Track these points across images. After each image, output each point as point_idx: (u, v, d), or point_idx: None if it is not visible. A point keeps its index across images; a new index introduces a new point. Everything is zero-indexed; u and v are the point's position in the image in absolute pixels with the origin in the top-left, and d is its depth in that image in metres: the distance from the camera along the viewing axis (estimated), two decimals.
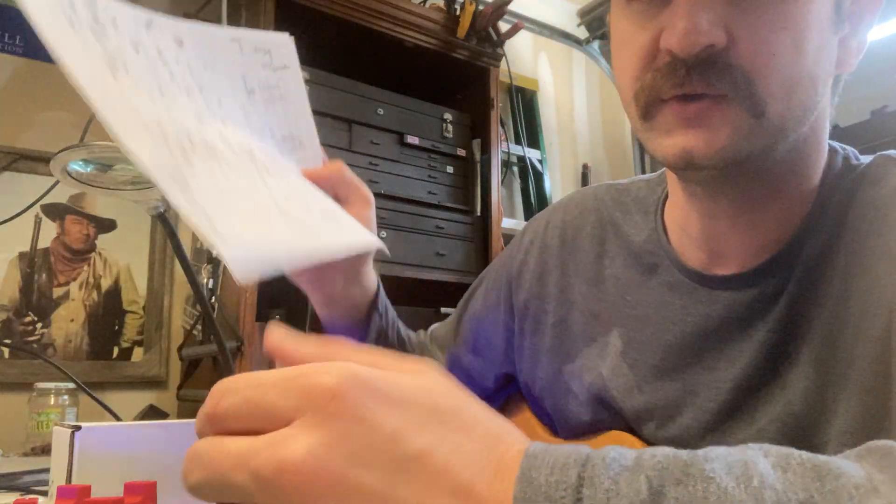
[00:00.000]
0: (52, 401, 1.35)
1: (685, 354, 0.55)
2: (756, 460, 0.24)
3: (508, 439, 0.26)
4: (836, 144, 0.54)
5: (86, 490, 0.36)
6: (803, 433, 0.48)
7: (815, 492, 0.23)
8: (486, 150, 1.90)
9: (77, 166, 0.57)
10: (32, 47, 1.63)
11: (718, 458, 0.24)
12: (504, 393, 0.74)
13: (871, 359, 0.46)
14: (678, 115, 0.46)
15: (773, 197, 0.51)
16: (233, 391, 0.27)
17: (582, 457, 0.25)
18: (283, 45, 0.46)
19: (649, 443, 0.57)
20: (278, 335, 0.30)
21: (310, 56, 1.65)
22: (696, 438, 0.53)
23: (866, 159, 0.53)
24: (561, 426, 0.65)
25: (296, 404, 0.25)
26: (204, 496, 0.26)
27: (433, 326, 0.81)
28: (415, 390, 0.26)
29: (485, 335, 0.72)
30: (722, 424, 0.52)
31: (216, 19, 1.54)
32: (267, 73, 0.44)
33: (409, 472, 0.24)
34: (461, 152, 1.87)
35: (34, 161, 1.58)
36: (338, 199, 0.50)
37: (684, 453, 0.25)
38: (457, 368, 0.74)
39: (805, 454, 0.25)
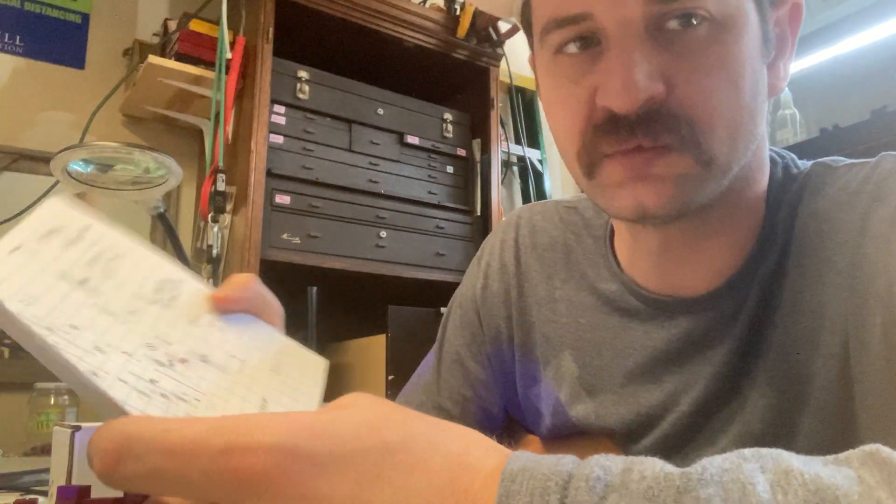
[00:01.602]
0: (52, 401, 1.35)
1: (645, 379, 0.54)
2: (754, 479, 0.22)
3: (474, 464, 0.24)
4: (773, 153, 0.53)
5: (86, 490, 0.36)
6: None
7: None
8: (486, 150, 1.90)
9: (77, 166, 0.57)
10: (32, 47, 1.63)
11: (713, 479, 0.22)
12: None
13: (831, 377, 0.45)
14: (624, 169, 0.45)
15: (724, 224, 0.50)
16: (136, 455, 0.22)
17: (564, 478, 0.23)
18: None
19: None
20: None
21: (310, 56, 1.65)
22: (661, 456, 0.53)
23: (805, 165, 0.53)
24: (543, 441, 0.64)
25: (224, 494, 0.22)
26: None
27: (404, 395, 0.72)
28: (356, 435, 0.23)
29: (471, 375, 0.66)
30: (684, 447, 0.51)
31: (216, 19, 1.54)
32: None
33: None
34: (461, 152, 1.87)
35: (34, 161, 1.58)
36: (252, 313, 0.38)
37: (676, 474, 0.23)
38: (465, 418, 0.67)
39: (806, 471, 0.23)
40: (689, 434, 0.51)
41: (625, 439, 0.55)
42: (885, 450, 0.25)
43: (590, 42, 0.45)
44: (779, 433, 0.47)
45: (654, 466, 0.23)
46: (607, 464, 0.23)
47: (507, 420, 0.69)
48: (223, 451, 0.22)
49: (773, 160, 0.53)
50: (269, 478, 0.22)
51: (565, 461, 0.23)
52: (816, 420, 0.45)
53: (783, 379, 0.47)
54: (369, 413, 0.25)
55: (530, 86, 2.48)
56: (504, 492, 0.22)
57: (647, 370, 0.54)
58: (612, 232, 0.59)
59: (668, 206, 0.44)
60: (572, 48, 0.46)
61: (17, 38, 1.62)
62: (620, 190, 0.45)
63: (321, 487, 0.22)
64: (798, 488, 0.22)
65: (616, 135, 0.44)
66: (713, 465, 0.23)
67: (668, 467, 0.23)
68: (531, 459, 0.23)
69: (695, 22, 0.43)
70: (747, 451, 0.24)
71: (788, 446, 0.46)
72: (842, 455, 0.25)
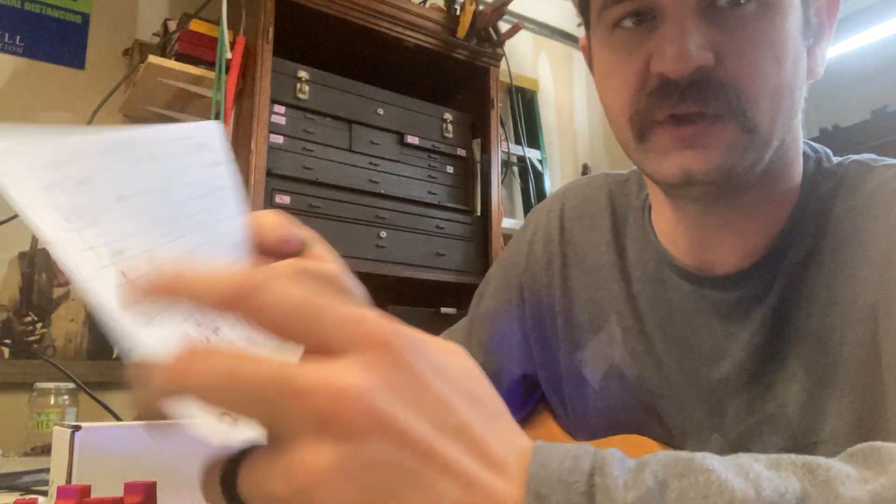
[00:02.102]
0: (52, 401, 1.35)
1: (678, 348, 0.57)
2: (749, 461, 0.26)
3: (522, 433, 0.26)
4: (807, 147, 0.56)
5: (86, 490, 0.36)
6: (794, 435, 0.50)
7: (808, 483, 0.25)
8: (486, 150, 1.90)
9: None
10: (32, 47, 1.63)
11: (714, 458, 0.25)
12: (530, 401, 0.74)
13: (860, 362, 0.47)
14: (674, 136, 0.48)
15: (761, 204, 0.53)
16: (284, 293, 0.23)
17: (591, 451, 0.25)
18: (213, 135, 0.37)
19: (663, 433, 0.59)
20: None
21: (310, 56, 1.65)
22: (686, 429, 0.56)
23: (837, 161, 0.56)
24: (577, 417, 0.66)
25: (352, 339, 0.23)
26: (205, 395, 0.23)
27: (443, 335, 0.79)
28: (455, 368, 0.25)
29: (499, 334, 0.72)
30: (712, 419, 0.54)
31: (216, 19, 1.54)
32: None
33: (451, 436, 0.23)
34: (461, 152, 1.87)
35: None
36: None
37: (683, 453, 0.25)
38: None
39: (794, 455, 0.26)
40: (720, 408, 0.54)
41: (665, 405, 0.57)
42: (865, 444, 0.29)
43: (645, 17, 0.49)
44: (810, 416, 0.50)
45: (666, 452, 0.26)
46: (624, 454, 0.25)
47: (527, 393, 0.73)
48: (361, 312, 0.24)
49: (805, 153, 0.56)
50: (392, 346, 0.23)
51: (587, 444, 0.26)
52: (845, 404, 0.48)
53: (817, 365, 0.50)
54: (464, 363, 0.26)
55: (530, 86, 2.48)
56: (538, 451, 0.24)
57: (679, 339, 0.57)
58: (650, 207, 0.62)
59: (714, 172, 0.47)
60: (628, 23, 0.50)
61: (17, 38, 1.62)
62: (668, 156, 0.49)
63: (428, 380, 0.24)
64: (788, 464, 0.26)
65: (668, 99, 0.47)
66: (712, 454, 0.26)
67: (679, 452, 0.26)
68: (557, 443, 0.26)
69: (743, 1, 0.47)
70: (741, 454, 0.27)
71: (818, 429, 0.49)
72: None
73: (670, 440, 0.57)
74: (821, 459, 0.26)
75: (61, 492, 0.36)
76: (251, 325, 0.23)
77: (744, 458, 0.26)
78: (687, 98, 0.47)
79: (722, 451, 0.26)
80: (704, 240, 0.55)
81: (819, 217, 0.52)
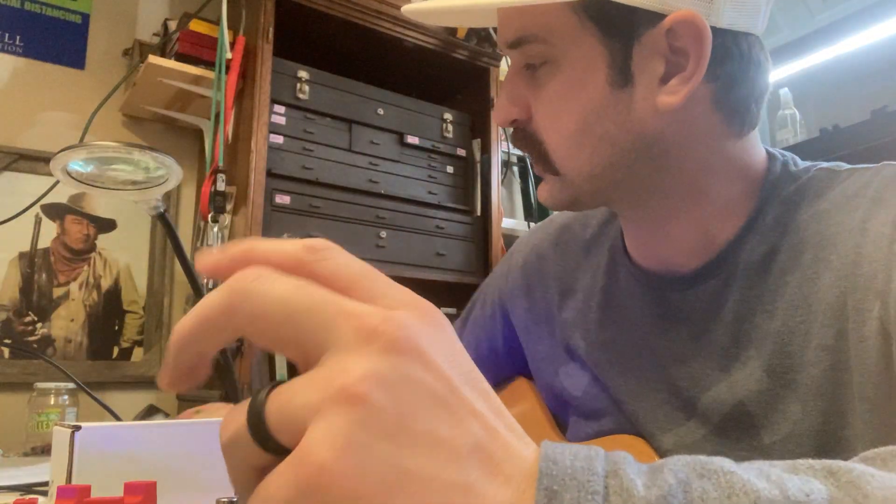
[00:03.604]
0: (52, 401, 1.35)
1: (642, 354, 0.59)
2: (766, 466, 0.25)
3: (523, 434, 0.26)
4: (775, 151, 0.58)
5: (86, 490, 0.36)
6: (756, 431, 0.51)
7: (832, 485, 0.24)
8: (486, 150, 1.90)
9: (77, 166, 0.57)
10: (32, 47, 1.63)
11: (732, 462, 0.25)
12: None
13: (823, 366, 0.48)
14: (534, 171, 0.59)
15: (682, 211, 0.56)
16: (347, 261, 0.25)
17: (603, 453, 0.25)
18: None
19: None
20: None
21: (310, 56, 1.65)
22: (657, 432, 0.57)
23: (805, 165, 0.57)
24: (569, 418, 0.68)
25: (398, 301, 0.25)
26: (262, 311, 0.23)
27: None
28: (457, 365, 0.25)
29: (487, 342, 0.79)
30: (678, 419, 0.56)
31: (216, 19, 1.54)
32: None
33: (475, 390, 0.24)
34: (461, 152, 1.87)
35: (34, 161, 1.58)
36: None
37: (700, 457, 0.25)
38: None
39: (811, 460, 0.26)
40: (689, 408, 0.56)
41: (628, 409, 0.60)
42: (882, 448, 0.28)
43: None
44: (769, 416, 0.51)
45: (678, 456, 0.25)
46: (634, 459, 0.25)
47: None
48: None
49: (772, 155, 0.58)
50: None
51: (598, 448, 0.25)
52: (806, 406, 0.49)
53: (777, 366, 0.51)
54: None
55: None
56: (548, 448, 0.24)
57: (642, 345, 0.59)
58: None
59: (551, 202, 0.57)
60: None
61: (17, 38, 1.62)
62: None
63: (440, 365, 0.24)
64: (807, 469, 0.25)
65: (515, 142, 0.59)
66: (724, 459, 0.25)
67: (692, 456, 0.25)
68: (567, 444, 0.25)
69: (535, 64, 0.54)
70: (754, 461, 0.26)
71: (776, 428, 0.50)
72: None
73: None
74: (839, 462, 0.25)
75: (61, 492, 0.36)
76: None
77: (760, 464, 0.25)
78: (516, 142, 0.58)
79: (690, 451, 0.26)
80: (650, 242, 0.59)
81: (780, 219, 0.54)
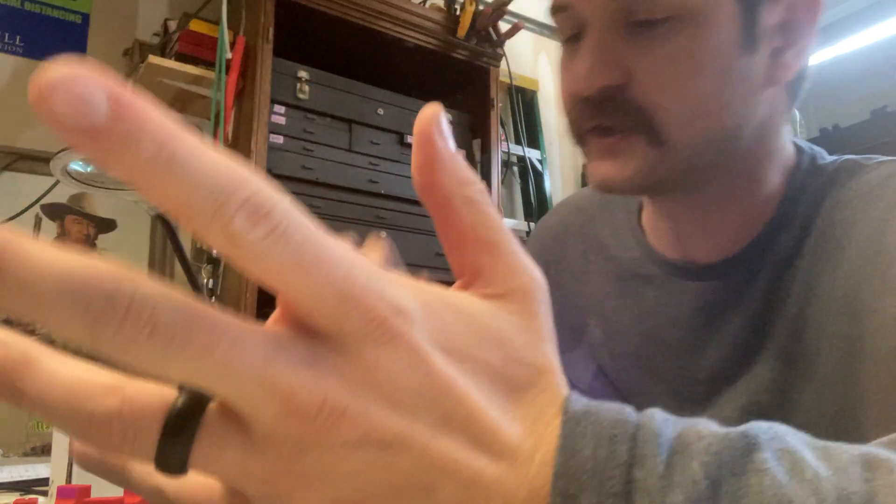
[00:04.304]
0: None
1: (658, 345, 0.58)
2: (798, 448, 0.23)
3: (557, 398, 0.23)
4: (803, 144, 0.57)
5: (86, 490, 0.36)
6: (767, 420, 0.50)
7: (871, 483, 0.22)
8: (486, 150, 1.90)
9: (77, 166, 0.57)
10: (32, 47, 1.63)
11: (765, 445, 0.22)
12: None
13: (836, 356, 0.48)
14: (597, 147, 0.51)
15: (733, 197, 0.54)
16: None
17: (630, 430, 0.21)
18: None
19: None
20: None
21: (310, 56, 1.65)
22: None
23: (831, 159, 0.56)
24: None
25: (354, 321, 0.19)
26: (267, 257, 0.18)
27: None
28: (492, 331, 0.22)
29: None
30: (694, 411, 0.54)
31: (216, 19, 1.54)
32: None
33: (455, 429, 0.20)
34: (461, 152, 1.87)
35: (34, 161, 1.58)
36: None
37: (734, 435, 0.22)
38: None
39: (845, 445, 0.23)
40: (704, 400, 0.55)
41: (641, 402, 0.58)
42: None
43: (579, 35, 0.51)
44: (781, 405, 0.50)
45: (711, 428, 0.22)
46: (662, 423, 0.22)
47: None
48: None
49: (800, 148, 0.57)
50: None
51: (627, 411, 0.22)
52: (819, 398, 0.49)
53: (793, 355, 0.51)
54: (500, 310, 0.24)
55: (530, 86, 2.48)
56: (570, 431, 0.21)
57: (659, 336, 0.58)
58: (641, 206, 0.64)
59: (627, 183, 0.50)
60: (568, 41, 0.53)
61: (17, 38, 1.62)
62: (593, 164, 0.52)
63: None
64: (842, 454, 0.22)
65: (583, 114, 0.51)
66: (759, 425, 0.23)
67: (726, 431, 0.22)
68: (592, 405, 0.22)
69: (657, 17, 0.47)
70: (776, 425, 0.24)
71: (788, 418, 0.48)
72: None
73: None
74: (874, 452, 0.23)
75: (61, 492, 0.36)
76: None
77: (791, 442, 0.23)
78: (597, 114, 0.50)
79: None
80: (682, 232, 0.57)
81: (807, 212, 0.53)
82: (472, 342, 0.21)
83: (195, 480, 0.23)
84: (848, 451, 0.23)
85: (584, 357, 0.65)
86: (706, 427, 0.22)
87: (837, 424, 0.48)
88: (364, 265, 0.20)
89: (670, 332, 0.57)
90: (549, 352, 0.24)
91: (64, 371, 0.19)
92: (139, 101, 0.16)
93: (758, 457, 0.21)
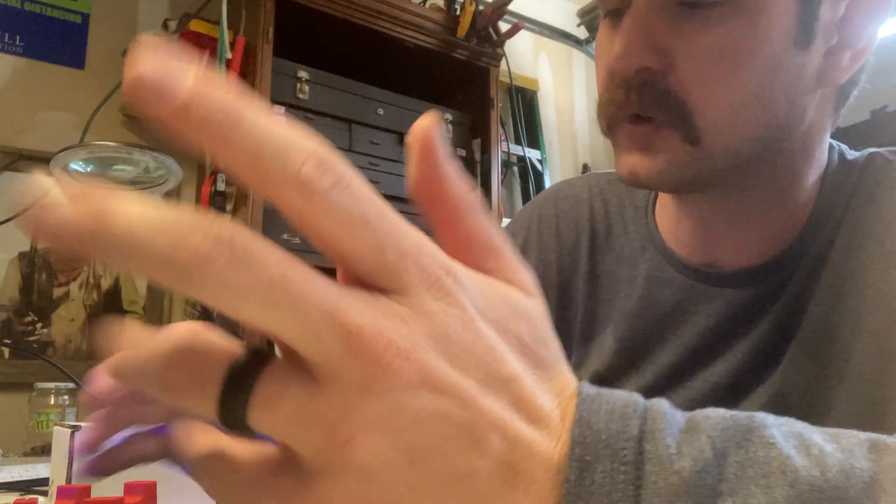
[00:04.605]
0: (52, 401, 1.35)
1: (679, 351, 0.55)
2: (808, 433, 0.23)
3: (571, 380, 0.24)
4: (829, 141, 0.54)
5: (86, 490, 0.36)
6: None
7: (875, 463, 0.22)
8: (486, 150, 1.90)
9: (77, 166, 0.57)
10: (32, 47, 1.63)
11: (773, 425, 0.23)
12: None
13: (870, 352, 0.46)
14: (628, 137, 0.47)
15: (771, 204, 0.51)
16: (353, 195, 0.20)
17: (640, 408, 0.23)
18: None
19: None
20: None
21: (310, 56, 1.65)
22: None
23: (856, 154, 0.54)
24: None
25: (408, 271, 0.20)
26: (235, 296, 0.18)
27: None
28: (508, 310, 0.23)
29: None
30: None
31: (216, 19, 1.54)
32: None
33: (498, 390, 0.21)
34: (461, 152, 1.87)
35: (34, 161, 1.58)
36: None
37: (741, 416, 0.23)
38: None
39: (852, 432, 0.24)
40: (726, 404, 0.52)
41: None
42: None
43: (621, 11, 0.47)
44: (814, 406, 0.48)
45: (718, 411, 0.24)
46: (671, 407, 0.23)
47: None
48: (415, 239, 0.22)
49: (830, 146, 0.53)
50: (450, 271, 0.22)
51: (636, 396, 0.23)
52: (852, 395, 0.46)
53: (823, 355, 0.48)
54: (520, 298, 0.24)
55: (530, 86, 2.48)
56: (585, 407, 0.22)
57: (679, 342, 0.54)
58: (654, 203, 0.59)
59: (657, 179, 0.46)
60: (610, 16, 0.49)
61: (17, 38, 1.62)
62: (623, 154, 0.48)
63: (479, 326, 0.21)
64: (850, 437, 0.24)
65: (618, 97, 0.46)
66: (768, 417, 0.24)
67: (734, 413, 0.24)
68: (603, 389, 0.23)
69: (703, 1, 0.43)
70: (792, 419, 0.25)
71: (823, 419, 0.47)
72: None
73: None
74: (884, 437, 0.24)
75: (61, 492, 0.36)
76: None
77: (799, 427, 0.24)
78: (630, 98, 0.45)
79: None
80: (711, 235, 0.53)
81: (841, 209, 0.50)
82: (508, 315, 0.22)
83: (245, 450, 0.23)
84: (857, 435, 0.24)
85: (586, 365, 0.60)
86: (715, 411, 0.24)
87: (870, 425, 0.45)
88: (412, 228, 0.22)
89: (691, 339, 0.54)
90: (558, 342, 0.25)
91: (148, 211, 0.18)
92: (208, 79, 0.18)
93: (766, 432, 0.22)
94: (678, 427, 0.22)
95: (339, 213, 0.19)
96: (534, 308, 0.24)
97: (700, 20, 0.43)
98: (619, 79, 0.45)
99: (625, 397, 0.23)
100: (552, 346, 0.24)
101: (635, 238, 0.59)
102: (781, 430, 0.23)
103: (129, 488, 0.35)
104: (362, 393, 0.19)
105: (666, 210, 0.57)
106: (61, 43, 1.67)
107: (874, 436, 0.24)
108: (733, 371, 0.52)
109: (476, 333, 0.21)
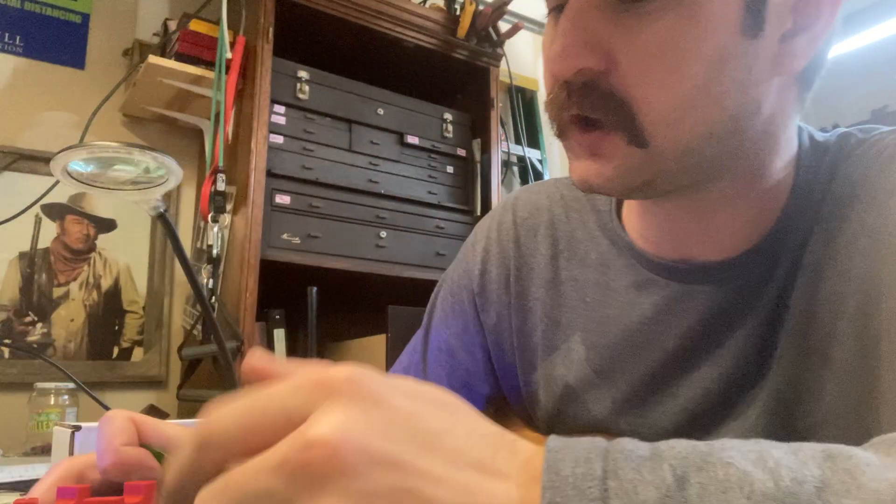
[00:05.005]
0: (52, 401, 1.35)
1: (659, 356, 0.52)
2: (768, 448, 0.25)
3: (512, 434, 0.26)
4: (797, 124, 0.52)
5: (85, 490, 0.36)
6: (791, 417, 0.47)
7: (828, 470, 0.24)
8: (486, 150, 1.90)
9: (77, 166, 0.56)
10: (32, 47, 1.63)
11: (733, 447, 0.25)
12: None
13: (854, 335, 0.45)
14: (578, 143, 0.45)
15: (736, 198, 0.48)
16: (226, 412, 0.25)
17: (602, 450, 0.25)
18: None
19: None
20: (259, 357, 0.28)
21: (310, 56, 1.65)
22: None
23: (826, 135, 0.52)
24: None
25: (310, 398, 0.24)
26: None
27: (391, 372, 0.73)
28: (420, 388, 0.26)
29: (461, 366, 0.65)
30: (710, 424, 0.50)
31: (216, 19, 1.54)
32: None
33: (431, 447, 0.24)
34: (461, 152, 1.87)
35: (34, 161, 1.58)
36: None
37: (700, 444, 0.25)
38: None
39: (815, 443, 0.26)
40: (719, 411, 0.50)
41: (640, 419, 0.53)
42: (888, 434, 0.28)
43: (562, 7, 0.44)
44: (805, 396, 0.47)
45: (681, 441, 0.26)
46: (635, 442, 0.26)
47: (497, 412, 0.67)
48: (309, 372, 0.25)
49: (798, 129, 0.51)
50: (350, 378, 0.24)
51: (599, 440, 0.26)
52: (840, 381, 0.45)
53: (808, 343, 0.47)
54: (430, 386, 0.27)
55: (530, 86, 2.48)
56: (552, 458, 0.24)
57: (659, 347, 0.52)
58: (619, 203, 0.57)
59: (608, 185, 0.45)
60: (554, 11, 0.47)
61: (17, 38, 1.62)
62: (573, 162, 0.47)
63: (393, 399, 0.24)
64: (808, 449, 0.25)
65: (560, 98, 0.44)
66: (731, 440, 0.26)
67: (695, 442, 0.26)
68: (570, 440, 0.26)
69: None
70: (759, 440, 0.27)
71: (814, 408, 0.46)
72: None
73: None
74: (842, 447, 0.26)
75: (61, 492, 0.36)
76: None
77: (764, 445, 0.26)
78: (572, 100, 0.43)
79: None
80: (680, 230, 0.51)
81: (821, 194, 0.48)
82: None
83: None
84: (815, 447, 0.26)
85: (553, 375, 0.58)
86: (679, 441, 0.26)
87: (861, 414, 0.44)
88: None
89: (676, 342, 0.51)
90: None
91: None
92: None
93: (724, 454, 0.25)
94: (641, 458, 0.25)
95: None
96: (435, 388, 0.27)
97: (640, 15, 0.41)
98: (560, 80, 0.44)
99: (588, 443, 0.25)
100: (474, 412, 0.27)
101: (602, 242, 0.57)
102: (741, 450, 0.25)
103: (129, 488, 0.35)
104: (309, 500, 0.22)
105: (632, 211, 0.55)
106: (61, 43, 1.67)
107: (833, 446, 0.26)
108: (725, 374, 0.49)
109: (393, 408, 0.24)
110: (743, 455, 0.24)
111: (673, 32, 0.41)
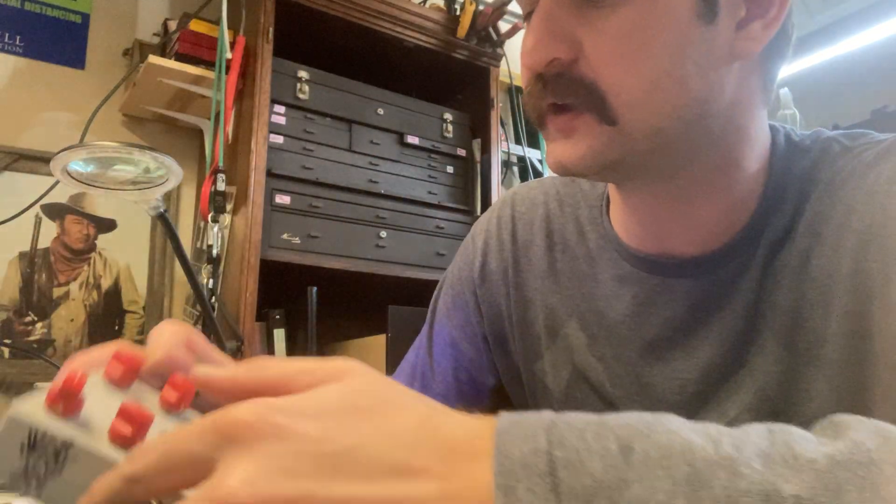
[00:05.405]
0: None
1: (637, 347, 0.55)
2: (715, 426, 0.27)
3: (442, 415, 0.27)
4: (773, 123, 0.54)
5: (138, 363, 0.36)
6: (778, 417, 0.48)
7: (767, 440, 0.26)
8: (486, 150, 1.90)
9: (77, 166, 0.57)
10: (32, 47, 1.63)
11: (680, 420, 0.27)
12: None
13: (843, 334, 0.46)
14: (554, 127, 0.48)
15: (710, 188, 0.51)
16: (149, 449, 0.26)
17: (548, 422, 0.26)
18: None
19: None
20: (201, 370, 0.30)
21: (310, 56, 1.65)
22: None
23: (807, 135, 0.54)
24: None
25: (214, 444, 0.25)
26: None
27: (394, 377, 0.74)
28: (329, 399, 0.26)
29: (466, 360, 0.68)
30: (691, 418, 0.52)
31: (216, 19, 1.54)
32: None
33: (343, 469, 0.24)
34: (461, 152, 1.87)
35: (34, 161, 1.58)
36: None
37: (647, 414, 0.26)
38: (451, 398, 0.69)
39: (761, 423, 0.28)
40: (697, 403, 0.52)
41: (631, 409, 0.54)
42: (835, 415, 0.30)
43: (533, 10, 0.49)
44: (793, 396, 0.48)
45: (629, 413, 0.27)
46: (583, 414, 0.27)
47: (495, 403, 0.70)
48: (212, 415, 0.26)
49: (773, 127, 0.54)
50: (249, 422, 0.25)
51: (546, 412, 0.27)
52: (830, 381, 0.46)
53: (798, 342, 0.48)
54: (349, 383, 0.27)
55: None
56: (501, 441, 0.25)
57: (639, 338, 0.55)
58: (608, 203, 0.60)
59: (581, 164, 0.47)
60: (527, 18, 0.50)
61: (17, 38, 1.62)
62: (549, 146, 0.50)
63: (297, 428, 0.25)
64: (750, 427, 0.27)
65: (535, 90, 0.48)
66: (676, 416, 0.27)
67: (643, 412, 0.27)
68: (519, 416, 0.27)
69: None
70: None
71: (803, 408, 0.47)
72: None
73: None
74: (783, 425, 0.27)
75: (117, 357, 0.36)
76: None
77: (711, 425, 0.27)
78: (546, 90, 0.47)
79: None
80: (659, 224, 0.53)
81: (798, 194, 0.50)
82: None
83: None
84: (760, 425, 0.27)
85: (559, 362, 0.60)
86: (631, 413, 0.27)
87: (851, 409, 0.43)
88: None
89: (655, 332, 0.53)
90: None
91: None
92: None
93: (671, 423, 0.26)
94: (586, 427, 0.25)
95: None
96: (354, 383, 0.27)
97: (603, 7, 0.45)
98: (534, 73, 0.47)
99: (534, 418, 0.26)
100: (399, 397, 0.27)
101: (592, 237, 0.60)
102: (688, 424, 0.26)
103: (174, 382, 0.34)
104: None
105: (616, 206, 0.58)
106: (61, 43, 1.67)
107: (775, 424, 0.27)
108: (701, 366, 0.51)
109: (292, 437, 0.25)
110: (689, 426, 0.26)
111: (634, 21, 0.45)
